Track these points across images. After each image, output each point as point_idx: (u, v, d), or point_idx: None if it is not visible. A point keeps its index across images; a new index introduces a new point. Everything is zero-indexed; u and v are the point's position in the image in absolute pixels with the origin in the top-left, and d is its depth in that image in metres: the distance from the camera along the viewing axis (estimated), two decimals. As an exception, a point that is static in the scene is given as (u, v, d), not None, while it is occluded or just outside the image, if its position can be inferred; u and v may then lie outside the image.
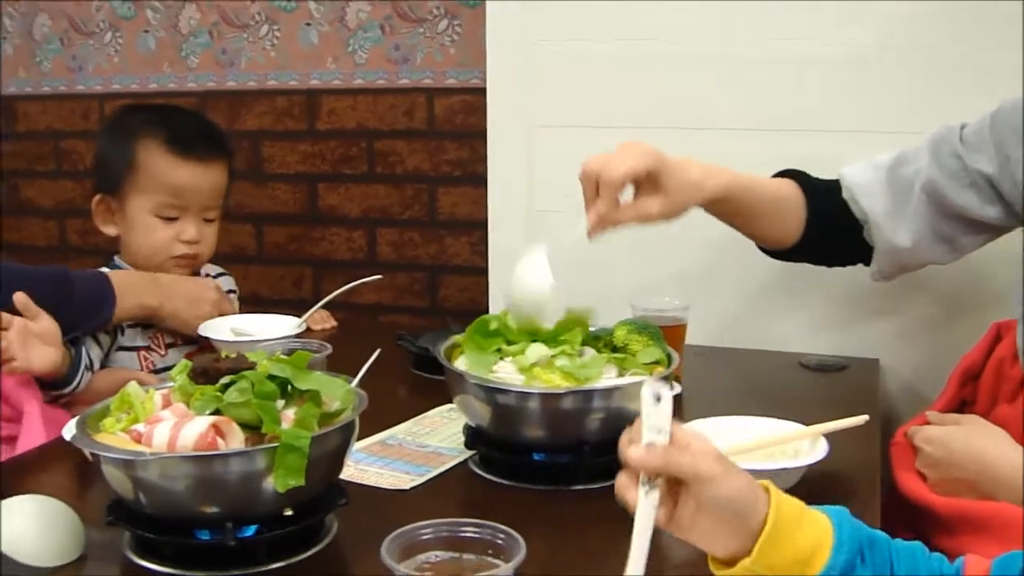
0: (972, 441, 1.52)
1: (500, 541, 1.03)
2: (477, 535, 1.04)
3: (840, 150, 2.06)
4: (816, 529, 0.98)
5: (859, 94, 2.13)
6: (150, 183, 2.04)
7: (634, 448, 0.95)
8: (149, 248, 2.06)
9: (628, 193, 1.59)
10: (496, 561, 1.02)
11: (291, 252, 2.81)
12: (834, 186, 1.81)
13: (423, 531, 1.04)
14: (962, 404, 1.76)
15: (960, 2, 2.02)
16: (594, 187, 1.55)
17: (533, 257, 1.55)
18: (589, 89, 2.31)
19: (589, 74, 2.30)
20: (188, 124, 2.16)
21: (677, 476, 0.95)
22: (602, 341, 1.54)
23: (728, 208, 1.72)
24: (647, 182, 1.58)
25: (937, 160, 1.72)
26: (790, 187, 1.80)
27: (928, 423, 1.65)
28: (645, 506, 0.94)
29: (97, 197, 2.10)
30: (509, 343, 1.50)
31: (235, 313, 2.18)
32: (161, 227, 2.06)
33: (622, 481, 0.97)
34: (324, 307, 2.21)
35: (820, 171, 1.88)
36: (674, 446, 0.95)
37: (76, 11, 2.91)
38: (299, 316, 2.12)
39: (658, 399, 0.95)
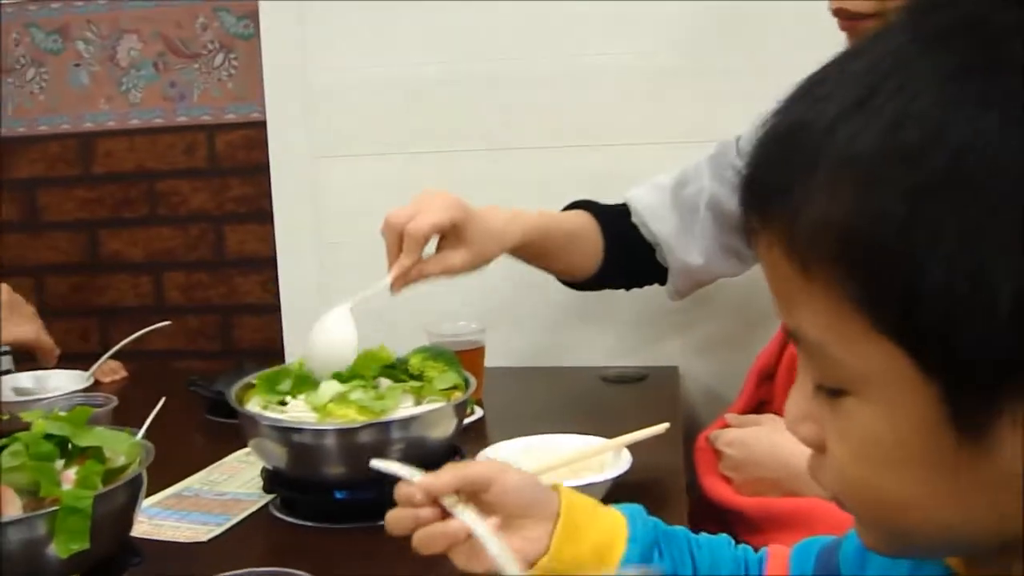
0: (772, 440, 1.55)
1: None
2: None
3: (635, 162, 2.12)
4: (610, 522, 1.00)
5: (650, 105, 2.18)
6: None
7: (416, 481, 0.99)
8: None
9: (431, 245, 1.58)
10: None
11: (75, 303, 2.69)
12: (624, 210, 1.83)
13: None
14: (760, 404, 1.80)
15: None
16: (397, 240, 1.54)
17: (336, 314, 1.52)
18: (370, 116, 2.31)
19: (369, 101, 2.30)
20: None
21: (473, 482, 0.98)
22: (398, 370, 1.51)
23: (530, 251, 1.73)
24: (451, 233, 1.58)
25: (718, 175, 1.77)
26: (584, 218, 1.82)
27: (728, 426, 1.68)
28: (469, 517, 0.96)
29: None
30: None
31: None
32: None
33: (423, 534, 0.98)
34: (115, 357, 2.14)
35: (612, 186, 1.91)
36: (454, 466, 1.00)
37: None
38: (86, 369, 2.04)
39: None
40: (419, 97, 2.28)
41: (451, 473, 0.98)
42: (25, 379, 2.01)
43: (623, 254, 1.82)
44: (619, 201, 1.86)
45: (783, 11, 2.08)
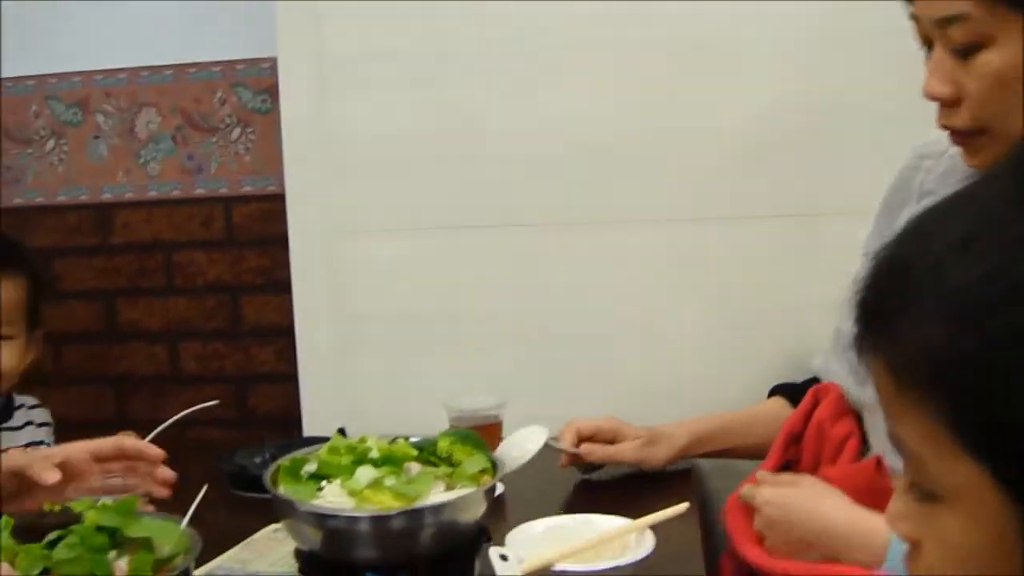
0: (810, 503, 1.57)
1: None
2: None
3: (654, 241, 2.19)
4: None
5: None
6: None
7: None
8: None
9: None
10: None
11: (90, 371, 2.73)
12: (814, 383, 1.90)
13: None
14: (786, 466, 1.82)
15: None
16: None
17: (534, 433, 1.71)
18: (389, 193, 2.35)
19: (388, 177, 2.34)
20: None
21: None
22: (427, 452, 1.55)
23: (710, 447, 2.02)
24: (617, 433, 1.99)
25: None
26: (772, 404, 2.01)
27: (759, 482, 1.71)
28: None
29: None
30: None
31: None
32: None
33: None
34: (129, 427, 2.17)
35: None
36: None
37: None
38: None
39: (504, 557, 1.20)
40: (436, 172, 2.33)
41: None
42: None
43: None
44: None
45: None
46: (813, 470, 1.77)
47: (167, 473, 1.57)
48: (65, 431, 2.30)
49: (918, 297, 0.69)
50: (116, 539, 1.19)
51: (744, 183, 2.23)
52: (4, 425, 2.14)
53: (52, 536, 1.17)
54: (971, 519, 0.68)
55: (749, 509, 1.65)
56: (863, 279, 0.75)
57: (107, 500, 1.28)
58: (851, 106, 2.17)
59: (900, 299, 0.70)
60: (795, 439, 1.83)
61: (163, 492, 1.56)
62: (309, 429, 2.41)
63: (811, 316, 2.02)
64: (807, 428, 1.82)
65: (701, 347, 2.30)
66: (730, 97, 2.22)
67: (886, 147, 1.75)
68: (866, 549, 1.44)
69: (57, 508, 1.24)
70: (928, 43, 1.39)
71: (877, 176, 1.75)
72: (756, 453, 1.90)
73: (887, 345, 0.72)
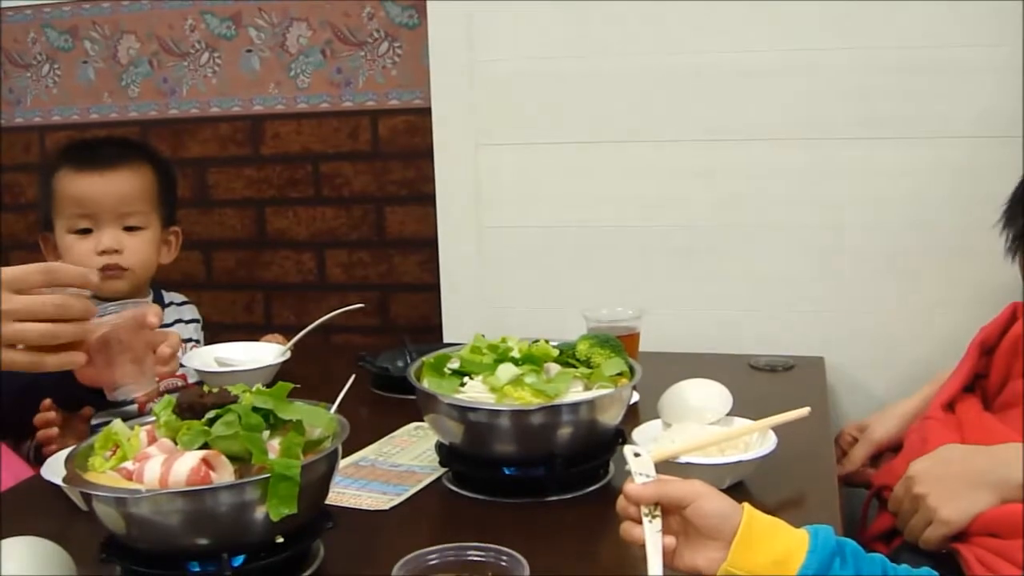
0: (965, 447, 1.56)
1: (504, 563, 1.10)
2: (482, 558, 1.11)
3: (806, 157, 2.20)
4: (792, 537, 1.08)
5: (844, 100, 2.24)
6: (61, 203, 2.07)
7: (630, 484, 1.13)
8: None
9: None
10: None
11: (241, 277, 2.83)
12: None
13: (430, 556, 1.10)
14: (977, 377, 1.80)
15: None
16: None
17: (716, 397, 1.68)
18: (533, 105, 2.37)
19: (533, 90, 2.37)
20: (94, 141, 2.20)
21: (671, 499, 1.11)
22: (566, 355, 1.59)
23: None
24: None
25: None
26: None
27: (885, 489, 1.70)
28: (651, 532, 1.10)
29: (40, 236, 2.12)
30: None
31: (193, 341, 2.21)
32: (78, 242, 2.06)
33: (625, 527, 1.14)
34: (275, 330, 2.26)
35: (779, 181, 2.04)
36: (662, 480, 1.13)
37: (12, 45, 2.90)
38: (254, 340, 2.17)
39: (637, 454, 1.18)
40: (579, 87, 2.34)
41: (656, 487, 1.12)
42: (225, 350, 2.13)
43: None
44: None
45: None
46: (1002, 385, 1.75)
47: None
48: (214, 332, 2.40)
49: None
50: (270, 420, 1.25)
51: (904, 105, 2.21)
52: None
53: (211, 415, 1.23)
54: None
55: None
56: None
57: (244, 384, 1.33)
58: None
59: None
60: (988, 350, 1.80)
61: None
62: (449, 337, 2.47)
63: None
64: (1002, 341, 1.78)
65: (844, 268, 2.29)
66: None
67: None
68: None
69: (215, 389, 1.30)
70: None
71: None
72: None
73: None
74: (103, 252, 2.05)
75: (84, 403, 1.84)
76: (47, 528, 1.26)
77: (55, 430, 1.77)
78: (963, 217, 2.18)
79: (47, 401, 1.78)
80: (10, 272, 1.31)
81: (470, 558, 1.11)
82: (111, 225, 2.06)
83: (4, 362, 1.33)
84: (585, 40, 2.32)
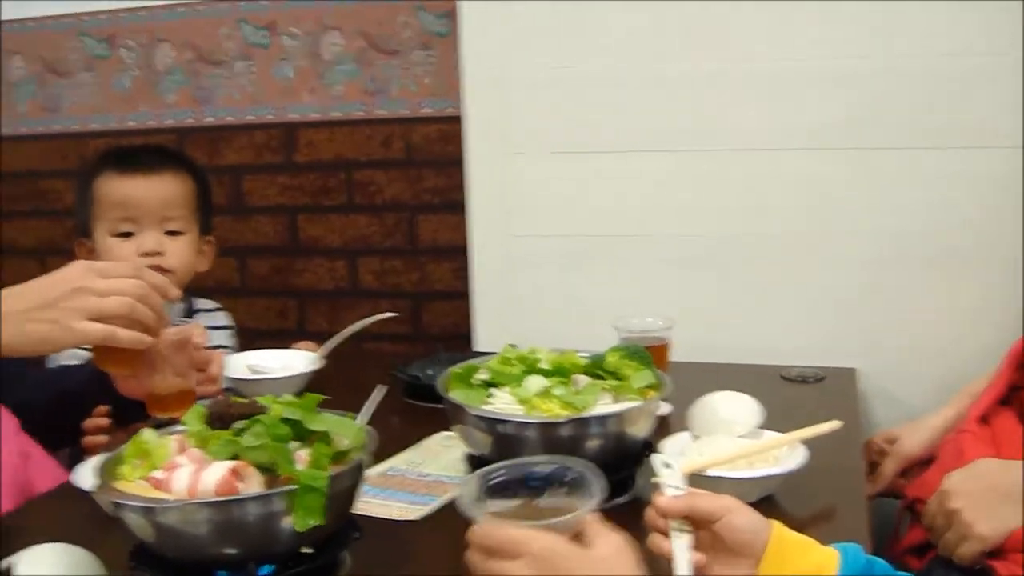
0: (994, 462, 1.55)
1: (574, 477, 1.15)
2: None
3: (839, 167, 2.18)
4: (821, 554, 1.08)
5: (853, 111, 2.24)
6: (103, 207, 2.08)
7: (661, 496, 1.12)
8: None
9: None
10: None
11: (274, 284, 2.85)
12: None
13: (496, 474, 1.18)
14: (1012, 389, 1.78)
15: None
16: None
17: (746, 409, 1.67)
18: (564, 115, 2.37)
19: (564, 100, 2.37)
20: (135, 147, 2.22)
21: (701, 513, 1.10)
22: (595, 366, 1.58)
23: None
24: None
25: None
26: None
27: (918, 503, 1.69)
28: (680, 547, 1.10)
29: (76, 242, 2.14)
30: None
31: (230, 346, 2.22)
32: (118, 245, 2.07)
33: (653, 540, 1.12)
34: (307, 338, 2.26)
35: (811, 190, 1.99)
36: (692, 493, 1.12)
37: (50, 53, 2.93)
38: (287, 347, 2.18)
39: (667, 465, 1.16)
40: (609, 96, 2.34)
41: (686, 500, 1.11)
42: (257, 357, 2.14)
43: None
44: None
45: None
46: None
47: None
48: (248, 338, 2.41)
49: None
50: (298, 431, 1.26)
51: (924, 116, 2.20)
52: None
53: (240, 425, 1.24)
54: None
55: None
56: None
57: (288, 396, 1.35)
58: None
59: None
60: (1022, 364, 1.78)
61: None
62: (480, 345, 2.47)
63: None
64: None
65: (879, 279, 2.28)
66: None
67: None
68: None
69: (245, 401, 1.31)
70: None
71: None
72: None
73: None
74: (145, 254, 2.05)
75: (125, 415, 1.84)
76: (82, 533, 1.27)
77: (104, 437, 1.78)
78: (1000, 227, 2.16)
79: (103, 408, 1.78)
80: (101, 263, 1.47)
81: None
82: (153, 228, 2.07)
83: (78, 331, 1.41)
84: (615, 50, 2.32)
